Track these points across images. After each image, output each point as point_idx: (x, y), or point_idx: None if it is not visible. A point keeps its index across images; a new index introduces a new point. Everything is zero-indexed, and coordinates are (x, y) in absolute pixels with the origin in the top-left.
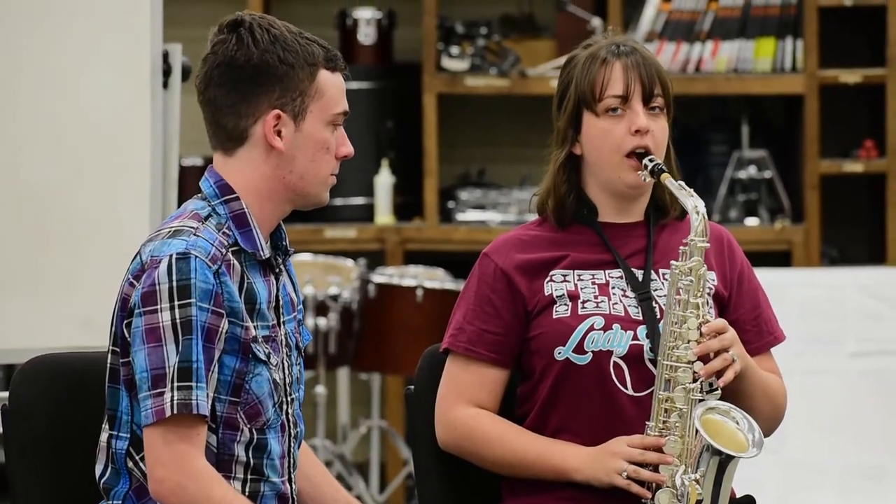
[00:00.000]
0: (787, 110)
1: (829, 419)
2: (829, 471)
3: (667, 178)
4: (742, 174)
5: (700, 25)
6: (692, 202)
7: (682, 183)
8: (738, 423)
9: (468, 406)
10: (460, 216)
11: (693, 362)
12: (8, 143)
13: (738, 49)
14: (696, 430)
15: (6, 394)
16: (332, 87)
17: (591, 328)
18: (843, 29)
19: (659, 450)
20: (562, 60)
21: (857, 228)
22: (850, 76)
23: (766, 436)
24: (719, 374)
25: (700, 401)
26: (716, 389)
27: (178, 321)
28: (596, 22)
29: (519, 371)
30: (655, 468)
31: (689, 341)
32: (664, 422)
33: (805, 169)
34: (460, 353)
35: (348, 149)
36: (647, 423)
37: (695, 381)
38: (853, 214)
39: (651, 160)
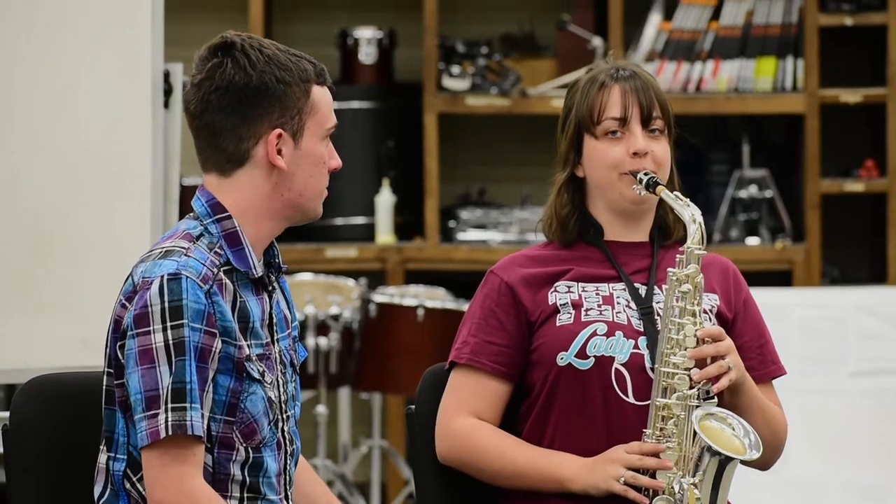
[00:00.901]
0: (788, 130)
1: (830, 438)
2: (829, 490)
3: (662, 191)
4: (743, 193)
5: (701, 45)
6: (689, 211)
7: (679, 194)
8: (734, 430)
9: (468, 417)
10: (461, 236)
11: (690, 369)
12: (8, 162)
13: (738, 68)
14: (694, 436)
15: (7, 413)
16: (325, 103)
17: (594, 334)
18: (844, 48)
19: (657, 456)
20: (563, 80)
21: (857, 248)
22: (851, 96)
23: (765, 468)
24: (715, 380)
25: (696, 407)
26: (712, 397)
27: (170, 342)
28: (597, 41)
29: (521, 389)
30: (654, 475)
31: (685, 348)
32: (661, 429)
33: (806, 188)
34: (463, 363)
35: (338, 161)
36: (644, 430)
37: (691, 387)
38: (854, 234)
39: (646, 174)
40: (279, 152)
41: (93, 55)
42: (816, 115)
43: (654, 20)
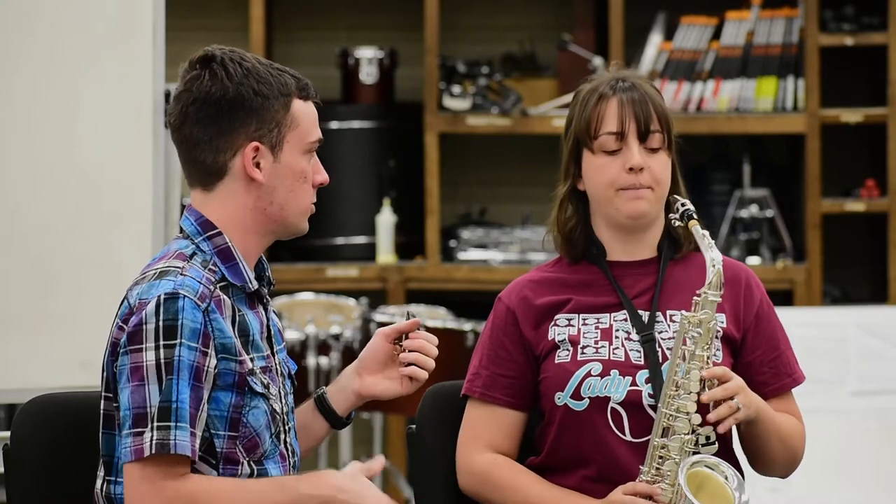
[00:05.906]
0: (789, 149)
1: (831, 458)
2: None
3: (694, 225)
4: (744, 213)
5: (701, 65)
6: (710, 254)
7: (707, 233)
8: (727, 479)
9: (487, 451)
10: (462, 255)
11: (691, 414)
12: (9, 183)
13: (739, 88)
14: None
15: (7, 433)
16: (306, 117)
17: (589, 374)
18: (845, 68)
19: (651, 497)
20: (564, 99)
21: (858, 267)
22: (852, 115)
23: (783, 477)
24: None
25: (694, 453)
26: (713, 443)
27: (161, 361)
28: (597, 61)
29: (536, 414)
30: None
31: (690, 392)
32: (657, 468)
33: (807, 208)
34: (477, 397)
35: (324, 176)
36: (640, 467)
37: (692, 432)
38: (855, 253)
39: (683, 204)
40: (257, 165)
41: (94, 75)
42: (817, 135)
43: (655, 40)
